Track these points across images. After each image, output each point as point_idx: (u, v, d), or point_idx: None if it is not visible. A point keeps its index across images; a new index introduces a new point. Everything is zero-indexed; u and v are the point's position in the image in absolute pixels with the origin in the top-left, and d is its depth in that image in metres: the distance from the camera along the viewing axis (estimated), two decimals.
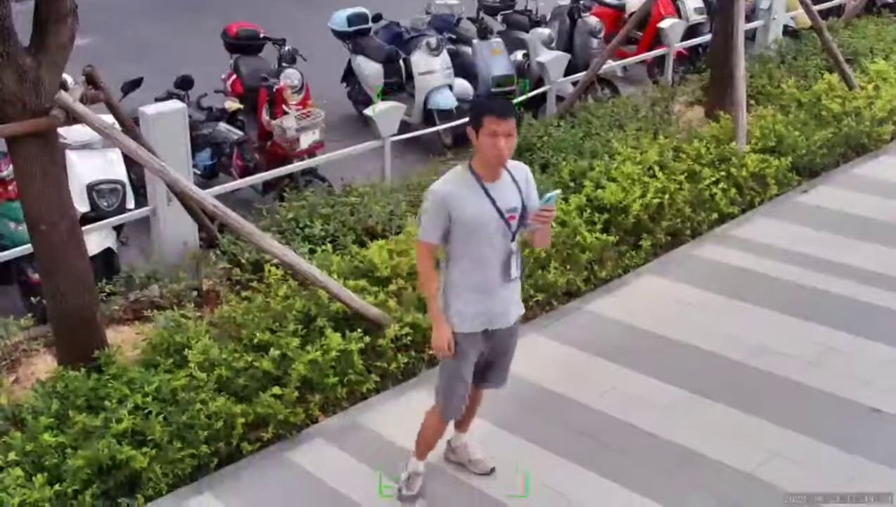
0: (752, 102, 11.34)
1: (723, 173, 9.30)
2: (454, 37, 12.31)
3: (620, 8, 14.07)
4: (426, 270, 5.18)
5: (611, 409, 6.36)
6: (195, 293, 7.49)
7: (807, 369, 6.79)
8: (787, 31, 14.74)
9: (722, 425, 6.22)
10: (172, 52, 14.42)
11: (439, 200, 5.05)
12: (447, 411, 5.45)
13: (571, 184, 8.80)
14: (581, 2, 13.02)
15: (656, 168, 9.05)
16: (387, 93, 11.66)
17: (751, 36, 13.98)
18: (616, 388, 6.60)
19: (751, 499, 5.57)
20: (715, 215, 9.01)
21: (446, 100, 11.12)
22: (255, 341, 6.56)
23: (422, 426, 5.64)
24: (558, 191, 5.22)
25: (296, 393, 6.26)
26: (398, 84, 11.81)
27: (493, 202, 5.05)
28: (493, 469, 5.86)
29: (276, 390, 6.20)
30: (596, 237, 8.03)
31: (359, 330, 6.62)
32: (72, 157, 7.95)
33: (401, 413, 6.42)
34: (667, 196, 8.66)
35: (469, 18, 12.83)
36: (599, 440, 6.03)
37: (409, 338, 6.81)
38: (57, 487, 5.45)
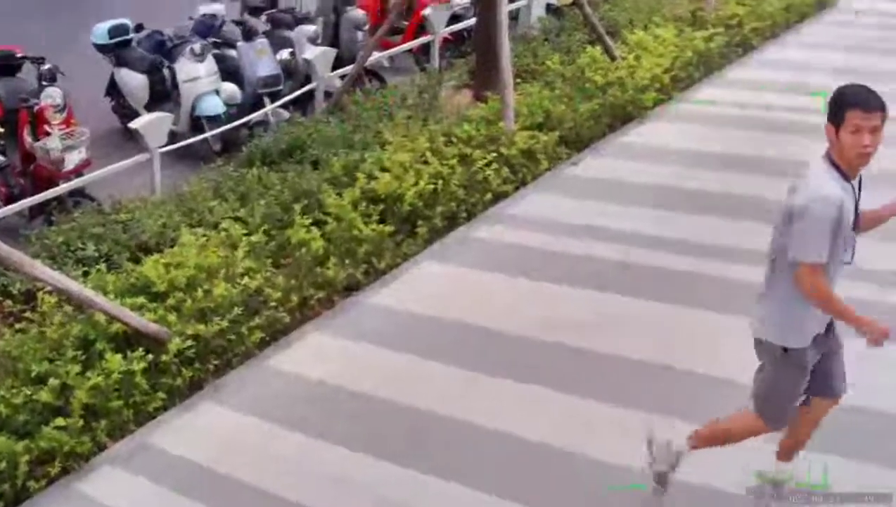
0: (519, 80, 11.67)
1: (494, 154, 9.57)
2: (219, 41, 12.22)
3: None
4: (829, 292, 4.69)
5: (397, 397, 6.50)
6: None
7: (594, 335, 7.07)
8: (550, 9, 15.25)
9: (508, 399, 6.44)
10: None
11: (835, 207, 4.56)
12: (778, 421, 5.12)
13: (344, 178, 8.91)
14: None
15: (428, 154, 9.25)
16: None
17: (514, 16, 14.40)
18: (401, 376, 6.75)
19: (541, 467, 5.81)
20: (489, 196, 9.28)
21: (213, 106, 11.06)
22: (33, 373, 6.39)
23: (722, 430, 5.29)
24: None
25: (80, 422, 6.14)
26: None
27: (857, 200, 4.74)
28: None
29: (60, 421, 6.06)
30: (372, 229, 8.17)
31: (140, 349, 6.55)
32: None
33: (189, 428, 6.41)
34: (440, 181, 8.88)
35: (233, 21, 12.77)
36: (391, 430, 6.16)
37: (192, 351, 6.78)
38: None
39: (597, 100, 11.16)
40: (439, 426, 6.20)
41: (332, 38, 12.78)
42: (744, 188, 9.35)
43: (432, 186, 8.77)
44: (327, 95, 11.63)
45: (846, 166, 4.65)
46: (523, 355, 6.93)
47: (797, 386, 4.98)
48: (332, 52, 11.81)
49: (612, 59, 12.28)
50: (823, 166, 4.71)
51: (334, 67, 11.74)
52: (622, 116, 11.42)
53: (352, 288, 7.92)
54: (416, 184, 8.66)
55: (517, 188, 9.62)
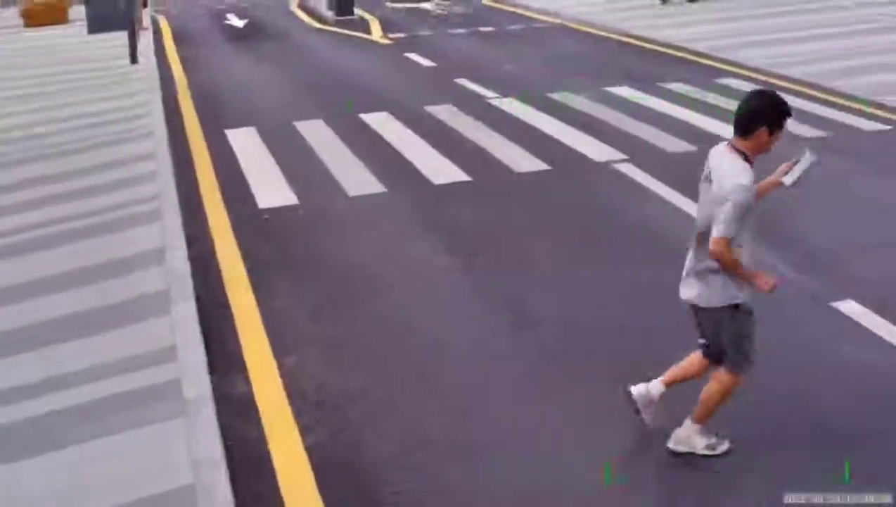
0: None
1: None
2: None
3: None
4: (732, 256, 6.06)
5: None
6: None
7: None
8: None
9: None
10: None
11: (751, 194, 5.98)
12: (748, 365, 6.46)
13: None
14: None
15: None
16: None
17: None
18: None
19: None
20: None
21: None
22: None
23: (710, 394, 6.50)
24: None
25: None
26: None
27: None
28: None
29: None
30: None
31: None
32: None
33: None
34: None
35: None
36: None
37: None
38: None
39: None
40: None
41: None
42: None
43: None
44: None
45: (755, 156, 6.12)
46: None
47: (753, 327, 6.40)
48: None
49: None
50: (734, 157, 6.10)
51: None
52: None
53: None
54: None
55: None
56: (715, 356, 6.60)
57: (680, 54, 21.24)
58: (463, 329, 8.84)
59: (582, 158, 13.76)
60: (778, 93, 6.33)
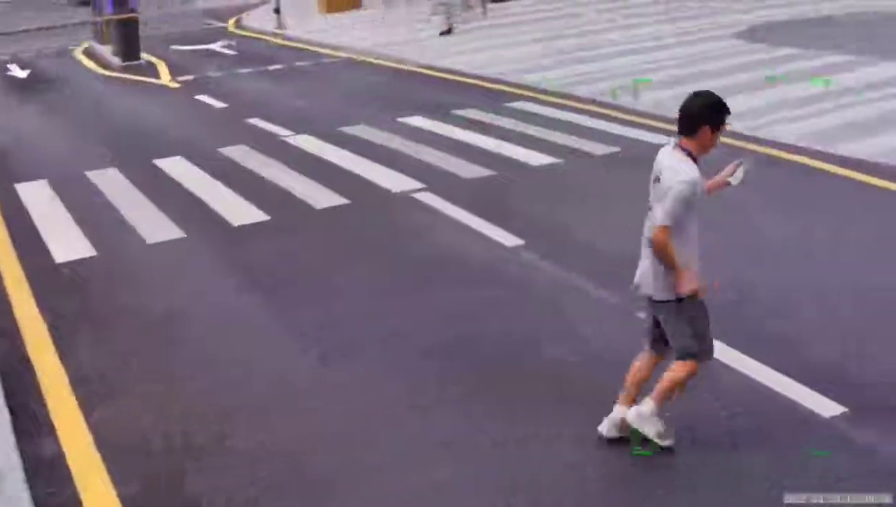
0: None
1: None
2: None
3: None
4: (671, 246, 6.44)
5: None
6: None
7: None
8: None
9: None
10: None
11: (696, 187, 6.39)
12: (708, 352, 6.80)
13: None
14: None
15: None
16: None
17: None
18: None
19: None
20: None
21: None
22: None
23: (668, 381, 6.78)
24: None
25: None
26: None
27: None
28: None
29: None
30: None
31: None
32: None
33: None
34: None
35: None
36: None
37: None
38: None
39: None
40: None
41: None
42: None
43: None
44: None
45: (700, 155, 6.55)
46: None
47: (705, 315, 6.75)
48: None
49: None
50: (681, 156, 6.50)
51: None
52: None
53: None
54: None
55: None
56: (664, 345, 6.95)
57: (471, 81, 21.71)
58: (274, 365, 8.84)
59: (380, 190, 13.93)
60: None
